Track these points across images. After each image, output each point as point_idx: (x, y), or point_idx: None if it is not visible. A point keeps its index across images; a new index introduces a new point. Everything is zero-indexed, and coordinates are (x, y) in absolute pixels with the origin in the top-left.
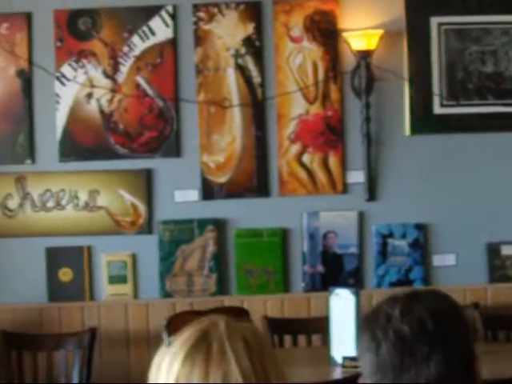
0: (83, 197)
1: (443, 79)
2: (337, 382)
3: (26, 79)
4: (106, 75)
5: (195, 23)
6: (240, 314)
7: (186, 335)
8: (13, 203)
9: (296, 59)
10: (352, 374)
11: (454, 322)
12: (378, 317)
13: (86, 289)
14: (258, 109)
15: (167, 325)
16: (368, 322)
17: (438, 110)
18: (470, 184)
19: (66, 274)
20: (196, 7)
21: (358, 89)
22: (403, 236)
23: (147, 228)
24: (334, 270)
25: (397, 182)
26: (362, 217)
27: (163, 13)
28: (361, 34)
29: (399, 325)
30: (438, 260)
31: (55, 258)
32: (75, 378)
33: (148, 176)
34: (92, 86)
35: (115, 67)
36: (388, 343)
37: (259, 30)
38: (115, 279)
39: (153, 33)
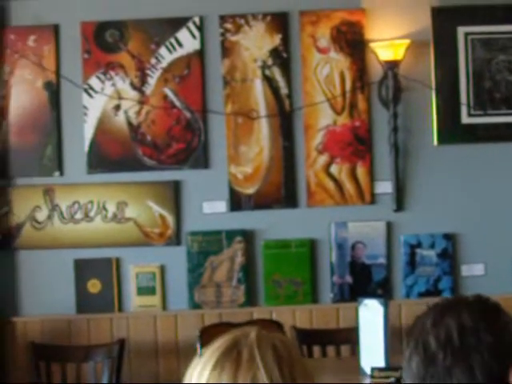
0: (111, 208)
1: (470, 89)
2: None
3: (54, 91)
4: (134, 87)
5: (222, 34)
6: (273, 326)
7: (217, 344)
8: (41, 215)
9: (323, 70)
10: None
11: (482, 334)
12: (416, 327)
13: (115, 300)
14: (285, 120)
15: (200, 336)
16: (407, 333)
17: (465, 119)
18: (498, 193)
19: (94, 286)
20: (223, 18)
21: (386, 99)
22: (432, 246)
23: (175, 239)
24: (362, 281)
25: (425, 191)
26: (390, 227)
27: (190, 24)
28: (388, 44)
29: (427, 336)
30: (466, 270)
31: (84, 269)
32: None
33: (176, 187)
34: (120, 97)
35: (143, 79)
36: (417, 355)
37: (286, 40)
38: (144, 290)
39: (180, 44)
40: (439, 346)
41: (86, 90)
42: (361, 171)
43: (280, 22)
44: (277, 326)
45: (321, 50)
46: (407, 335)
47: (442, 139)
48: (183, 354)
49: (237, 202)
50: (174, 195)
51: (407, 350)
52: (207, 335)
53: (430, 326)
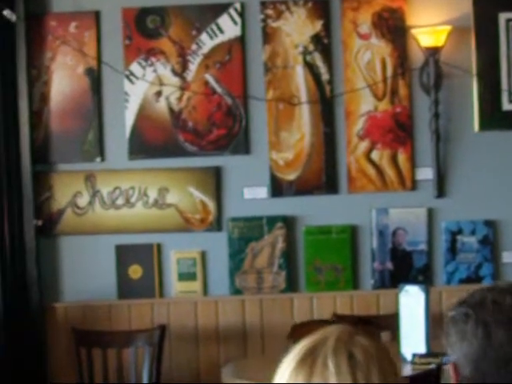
0: (153, 194)
1: None
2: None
3: (95, 77)
4: (175, 73)
5: (263, 20)
6: (366, 324)
7: (297, 349)
8: (82, 201)
9: (364, 56)
10: (422, 371)
11: None
12: (485, 304)
13: (156, 286)
14: (326, 106)
15: (291, 333)
16: (472, 307)
17: (506, 106)
18: None
19: (135, 271)
20: (264, 4)
21: (427, 85)
22: (472, 233)
23: (216, 225)
24: (403, 267)
25: (466, 178)
26: (431, 213)
27: (231, 10)
28: (429, 30)
29: (489, 317)
30: (507, 257)
31: (125, 255)
32: (145, 375)
33: (217, 173)
34: (161, 84)
35: (184, 65)
36: (501, 330)
37: (327, 27)
38: (185, 276)
39: (221, 30)
40: (503, 333)
41: (127, 76)
42: (402, 157)
43: (321, 8)
44: (364, 323)
45: (362, 36)
46: (473, 309)
47: (483, 126)
48: (224, 341)
49: (278, 187)
50: (214, 181)
51: (479, 325)
52: (298, 332)
53: (491, 307)
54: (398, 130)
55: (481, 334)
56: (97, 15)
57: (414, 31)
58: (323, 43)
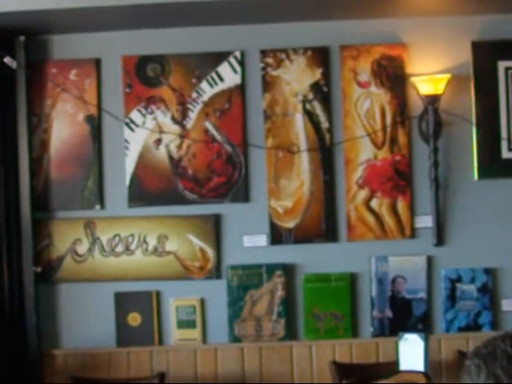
0: (152, 242)
1: (511, 123)
2: None
3: (95, 125)
4: (175, 121)
5: (263, 69)
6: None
7: None
8: (82, 248)
9: (364, 104)
10: None
11: None
12: (497, 355)
13: (155, 333)
14: (325, 154)
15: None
16: (484, 359)
17: (506, 154)
18: None
19: (134, 319)
20: (264, 53)
21: (426, 133)
22: (472, 281)
23: (216, 273)
24: (402, 315)
25: (465, 226)
26: (430, 261)
27: (231, 59)
28: (428, 78)
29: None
30: (506, 305)
31: (124, 302)
32: None
33: (216, 221)
34: (161, 131)
35: (184, 113)
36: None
37: (327, 75)
38: (184, 324)
39: (221, 79)
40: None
41: (127, 124)
42: (401, 205)
43: (321, 57)
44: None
45: (361, 85)
46: (483, 360)
47: (483, 174)
48: None
49: (277, 235)
50: (214, 229)
51: (489, 376)
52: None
53: (502, 359)
54: (397, 179)
55: None
56: (97, 63)
57: (413, 79)
58: (323, 91)
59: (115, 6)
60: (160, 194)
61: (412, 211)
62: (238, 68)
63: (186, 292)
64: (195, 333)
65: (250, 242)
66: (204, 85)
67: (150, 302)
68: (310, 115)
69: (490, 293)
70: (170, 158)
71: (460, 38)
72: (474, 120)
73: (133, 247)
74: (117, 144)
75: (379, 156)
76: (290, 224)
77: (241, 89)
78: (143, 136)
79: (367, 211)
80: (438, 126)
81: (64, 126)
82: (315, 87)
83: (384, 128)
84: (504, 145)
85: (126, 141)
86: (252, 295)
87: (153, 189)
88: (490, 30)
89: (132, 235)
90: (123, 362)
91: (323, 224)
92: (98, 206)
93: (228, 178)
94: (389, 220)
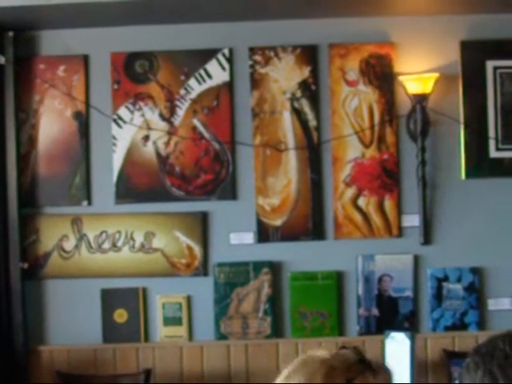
0: (139, 239)
1: (499, 123)
2: None
3: (83, 121)
4: (163, 118)
5: (251, 66)
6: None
7: None
8: (69, 245)
9: (352, 103)
10: None
11: None
12: (494, 354)
13: (141, 330)
14: (313, 152)
15: None
16: (482, 358)
17: (493, 153)
18: None
19: (121, 316)
20: (252, 50)
21: (414, 132)
22: (458, 280)
23: (202, 270)
24: (388, 314)
25: (452, 225)
26: (417, 260)
27: (220, 56)
28: (416, 77)
29: (496, 369)
30: (493, 304)
31: (110, 299)
32: None
33: (204, 218)
34: (149, 128)
35: (172, 110)
36: (506, 382)
37: (315, 73)
38: (170, 321)
39: (209, 76)
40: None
41: (115, 121)
42: (388, 204)
43: (309, 55)
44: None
45: (349, 83)
46: (482, 359)
47: (470, 173)
48: None
49: (264, 233)
50: (201, 226)
51: (486, 375)
52: None
53: (499, 358)
54: (384, 177)
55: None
56: (85, 59)
57: (401, 78)
58: (311, 89)
59: (104, 2)
60: (147, 191)
61: (399, 210)
62: (226, 65)
63: (173, 289)
64: (181, 330)
65: (236, 240)
66: (192, 82)
67: (137, 299)
68: (297, 113)
69: (476, 292)
70: (158, 154)
71: (448, 38)
72: (461, 119)
73: (120, 244)
74: (104, 140)
75: (367, 154)
76: (277, 222)
77: (229, 86)
78: (131, 133)
79: (354, 209)
80: (426, 125)
81: (52, 122)
82: (303, 85)
83: (372, 126)
84: (492, 144)
85: (114, 137)
86: (238, 293)
87: (140, 185)
88: (479, 29)
89: (119, 232)
90: (109, 359)
91: (310, 222)
92: (85, 203)
93: (215, 176)
94: (376, 218)
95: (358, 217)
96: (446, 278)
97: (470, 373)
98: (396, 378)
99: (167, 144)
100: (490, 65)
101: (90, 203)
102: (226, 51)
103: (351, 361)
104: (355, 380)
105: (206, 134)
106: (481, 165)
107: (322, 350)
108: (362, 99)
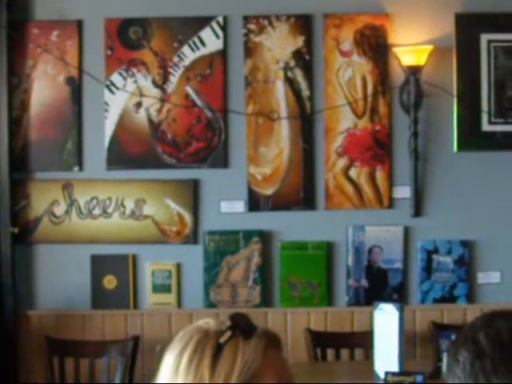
0: (129, 205)
1: (492, 96)
2: None
3: (76, 87)
4: (156, 85)
5: (245, 35)
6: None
7: None
8: (59, 210)
9: (345, 73)
10: None
11: None
12: (466, 327)
13: (130, 297)
14: (306, 122)
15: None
16: (460, 344)
17: (486, 127)
18: None
19: (110, 282)
20: (246, 19)
21: (407, 104)
22: (448, 252)
23: (193, 238)
24: (378, 285)
25: (443, 198)
26: (407, 232)
27: (214, 24)
28: (410, 49)
29: (477, 333)
30: (482, 277)
31: (100, 265)
32: None
33: (195, 186)
34: (141, 95)
35: (165, 77)
36: (465, 350)
37: (309, 43)
38: (159, 288)
39: (203, 43)
40: (488, 342)
41: (107, 87)
42: (380, 175)
43: (303, 24)
44: None
45: (343, 53)
46: (458, 336)
47: (462, 146)
48: None
49: (255, 202)
50: (192, 194)
51: (454, 346)
52: None
53: (480, 325)
54: (376, 148)
55: (466, 352)
56: (79, 24)
57: (395, 50)
58: (304, 59)
59: None
60: (139, 158)
61: (390, 181)
62: (220, 33)
63: (162, 256)
64: (170, 297)
65: (227, 208)
66: (186, 49)
67: (126, 266)
68: (291, 83)
69: (466, 265)
70: (150, 121)
71: (443, 10)
72: (455, 92)
73: (110, 210)
74: (97, 106)
75: (359, 125)
76: (268, 191)
77: (222, 54)
78: (123, 99)
79: (346, 180)
80: (419, 97)
81: (44, 87)
82: (297, 55)
83: (365, 97)
84: (484, 117)
85: (106, 103)
86: (228, 261)
87: (132, 152)
88: (474, 2)
89: (110, 198)
90: (98, 325)
91: (301, 192)
92: (76, 168)
93: (207, 144)
94: (367, 189)
95: (349, 187)
96: (435, 251)
97: (449, 356)
98: (386, 350)
99: (159, 111)
100: (485, 38)
101: (81, 169)
102: (221, 19)
103: (225, 327)
104: (225, 345)
105: (199, 102)
106: (473, 138)
107: (209, 319)
108: (356, 70)
